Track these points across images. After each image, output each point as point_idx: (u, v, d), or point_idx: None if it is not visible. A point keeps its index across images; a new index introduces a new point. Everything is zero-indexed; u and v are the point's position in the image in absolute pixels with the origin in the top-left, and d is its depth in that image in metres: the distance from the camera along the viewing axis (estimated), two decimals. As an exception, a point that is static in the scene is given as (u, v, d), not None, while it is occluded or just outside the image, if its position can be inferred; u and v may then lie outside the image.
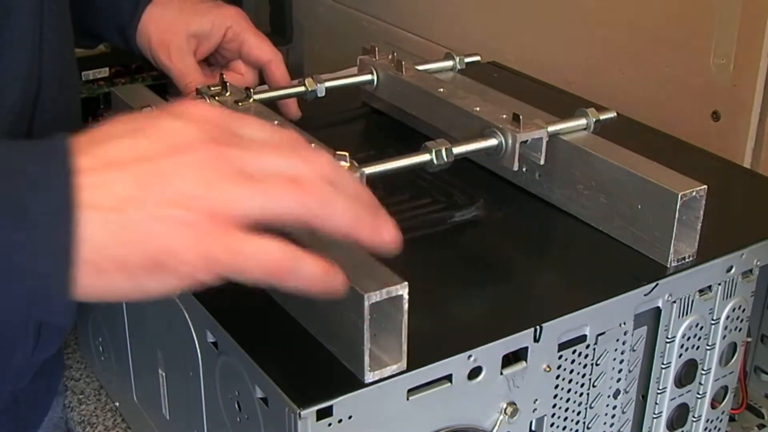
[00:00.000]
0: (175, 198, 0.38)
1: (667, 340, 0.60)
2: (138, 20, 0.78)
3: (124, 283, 0.39)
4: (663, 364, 0.61)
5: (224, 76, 0.71)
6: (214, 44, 0.80)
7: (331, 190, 0.41)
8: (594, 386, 0.58)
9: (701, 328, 0.62)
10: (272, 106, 0.67)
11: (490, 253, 0.63)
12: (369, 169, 0.56)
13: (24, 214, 0.37)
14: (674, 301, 0.59)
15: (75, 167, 0.38)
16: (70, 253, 0.37)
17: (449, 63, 0.78)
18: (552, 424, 0.57)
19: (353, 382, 0.48)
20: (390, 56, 0.77)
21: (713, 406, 0.66)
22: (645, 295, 0.57)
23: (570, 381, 0.56)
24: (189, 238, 0.38)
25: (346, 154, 0.55)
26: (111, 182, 0.38)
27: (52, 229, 0.37)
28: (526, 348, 0.53)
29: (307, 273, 0.41)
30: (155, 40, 0.78)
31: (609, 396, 0.59)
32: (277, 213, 0.40)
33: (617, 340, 0.57)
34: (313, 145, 0.57)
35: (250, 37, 0.80)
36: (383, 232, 0.44)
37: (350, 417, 0.47)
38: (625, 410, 0.61)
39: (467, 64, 0.78)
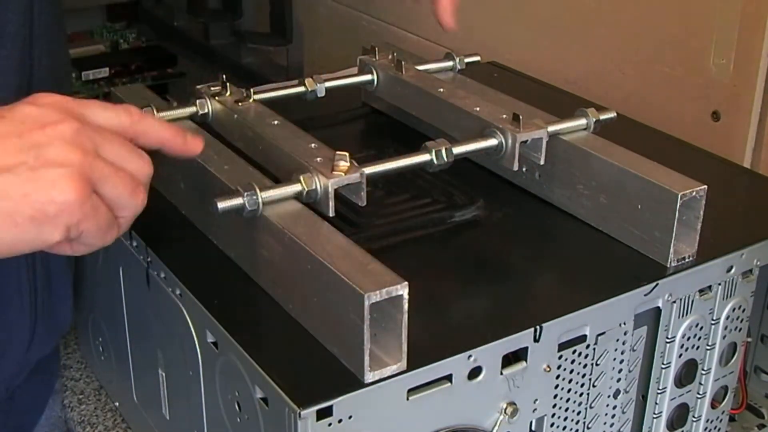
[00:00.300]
0: (54, 159, 0.45)
1: (667, 340, 0.60)
2: None
3: (11, 236, 0.45)
4: (663, 364, 0.61)
5: None
6: None
7: (147, 115, 0.52)
8: (594, 386, 0.58)
9: (701, 328, 0.62)
10: (272, 105, 0.67)
11: (490, 253, 0.63)
12: (369, 169, 0.56)
13: None
14: (674, 301, 0.59)
15: None
16: None
17: (449, 63, 0.78)
18: (552, 424, 0.57)
19: (353, 382, 0.48)
20: (390, 56, 0.77)
21: (713, 406, 0.66)
22: (645, 295, 0.57)
23: (570, 381, 0.56)
24: (71, 192, 0.45)
25: (346, 154, 0.55)
26: None
27: None
28: (526, 348, 0.53)
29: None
30: None
31: (609, 396, 0.59)
32: (114, 197, 0.48)
33: (617, 340, 0.57)
34: (314, 145, 0.58)
35: None
36: (189, 141, 0.54)
37: (350, 417, 0.47)
38: (625, 410, 0.61)
39: (467, 64, 0.78)
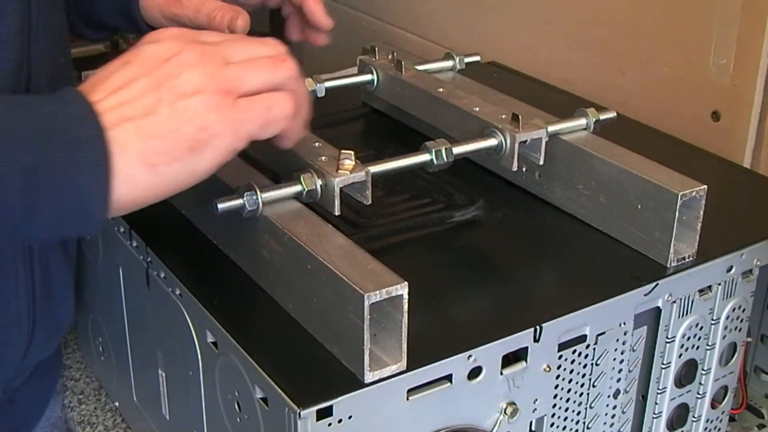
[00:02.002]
0: (188, 89, 0.46)
1: (667, 340, 0.60)
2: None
3: (176, 170, 0.46)
4: (663, 364, 0.61)
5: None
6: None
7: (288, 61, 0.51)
8: (594, 386, 0.58)
9: (701, 328, 0.62)
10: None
11: (490, 253, 0.63)
12: (373, 168, 0.56)
13: (65, 141, 0.44)
14: (674, 301, 0.59)
15: (91, 101, 0.46)
16: (107, 166, 0.44)
17: (449, 63, 0.78)
18: (552, 424, 0.57)
19: (353, 382, 0.48)
20: (390, 56, 0.77)
21: (713, 406, 0.66)
22: (645, 295, 0.57)
23: (570, 381, 0.56)
24: (213, 113, 0.46)
25: (351, 152, 0.55)
26: (127, 100, 0.46)
27: (89, 149, 0.44)
28: (526, 348, 0.53)
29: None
30: (163, 2, 0.75)
31: (609, 396, 0.59)
32: (261, 83, 0.49)
33: (617, 340, 0.57)
34: (317, 144, 0.57)
35: None
36: None
37: (350, 417, 0.47)
38: (625, 410, 0.61)
39: (467, 64, 0.78)
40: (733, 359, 0.65)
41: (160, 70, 0.47)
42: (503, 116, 0.63)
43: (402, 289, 0.47)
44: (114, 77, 0.48)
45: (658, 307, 0.59)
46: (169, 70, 0.47)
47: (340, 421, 0.47)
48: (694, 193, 0.57)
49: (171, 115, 0.46)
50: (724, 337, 0.63)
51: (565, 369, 0.56)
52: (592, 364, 0.57)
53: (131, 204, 0.47)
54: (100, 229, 0.47)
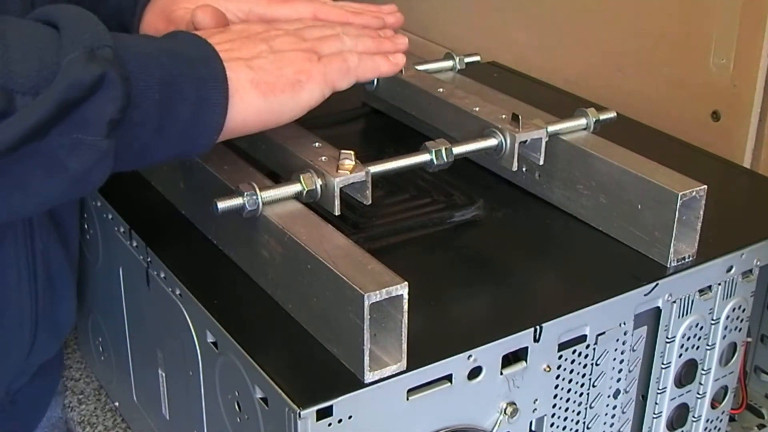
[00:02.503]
0: (283, 48, 0.56)
1: (667, 340, 0.60)
2: (140, 18, 0.78)
3: (282, 100, 0.54)
4: (663, 364, 0.61)
5: None
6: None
7: (355, 35, 0.61)
8: (594, 386, 0.58)
9: (701, 328, 0.62)
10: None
11: (490, 253, 0.63)
12: (373, 168, 0.56)
13: (189, 59, 0.51)
14: (674, 301, 0.59)
15: (212, 44, 0.53)
16: (226, 79, 0.52)
17: (449, 63, 0.78)
18: (552, 424, 0.57)
19: (353, 382, 0.48)
20: (390, 56, 0.77)
21: (713, 406, 0.66)
22: (645, 295, 0.57)
23: (570, 381, 0.56)
24: (307, 63, 0.56)
25: (351, 152, 0.55)
26: (232, 48, 0.54)
27: (210, 66, 0.52)
28: (526, 348, 0.53)
29: (370, 65, 0.59)
30: (161, 24, 0.77)
31: (609, 396, 0.59)
32: (334, 50, 0.58)
33: (617, 340, 0.57)
34: (318, 144, 0.58)
35: (278, 10, 0.79)
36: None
37: (350, 417, 0.47)
38: (625, 410, 0.61)
39: (467, 64, 0.78)
40: (733, 359, 0.65)
41: (257, 35, 0.57)
42: (503, 116, 0.63)
43: (402, 289, 0.47)
44: (214, 35, 0.55)
45: (658, 307, 0.59)
46: (265, 35, 0.57)
47: (340, 421, 0.47)
48: (694, 193, 0.57)
49: (275, 60, 0.55)
50: (724, 337, 0.63)
51: (565, 369, 0.56)
52: (592, 364, 0.57)
53: (242, 125, 0.53)
54: (212, 146, 0.53)
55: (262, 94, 0.53)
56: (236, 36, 0.57)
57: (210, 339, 0.55)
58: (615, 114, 0.65)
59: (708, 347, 0.63)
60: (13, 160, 0.45)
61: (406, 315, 0.47)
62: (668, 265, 0.59)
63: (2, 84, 0.44)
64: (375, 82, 0.76)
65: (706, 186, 0.57)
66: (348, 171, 0.54)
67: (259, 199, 0.53)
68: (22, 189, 0.46)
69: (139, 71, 0.48)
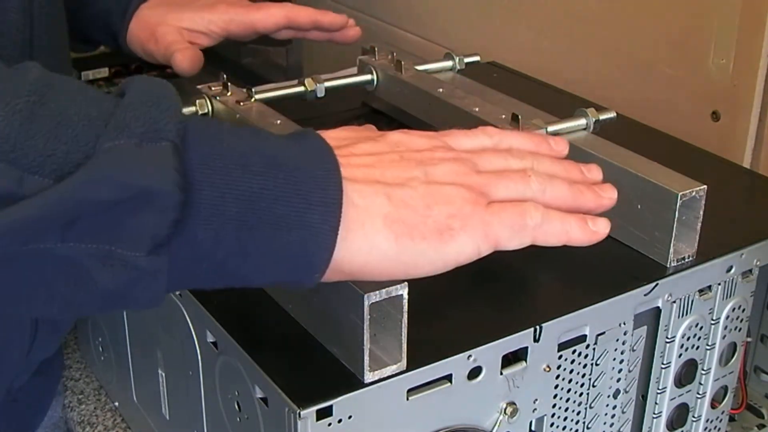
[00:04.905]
0: (444, 179, 0.44)
1: (667, 340, 0.60)
2: (128, 24, 0.79)
3: (420, 250, 0.43)
4: (663, 364, 0.61)
5: None
6: (216, 40, 0.81)
7: (506, 132, 0.50)
8: (594, 386, 0.58)
9: (701, 328, 0.62)
10: (272, 106, 0.67)
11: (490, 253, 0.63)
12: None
13: (292, 168, 0.41)
14: (674, 301, 0.59)
15: (339, 164, 0.42)
16: (339, 205, 0.41)
17: (449, 63, 0.78)
18: (552, 424, 0.57)
19: (353, 382, 0.48)
20: (390, 56, 0.77)
21: (713, 406, 0.66)
22: (645, 295, 0.57)
23: (570, 381, 0.56)
24: (468, 205, 0.44)
25: None
26: (376, 165, 0.44)
27: (321, 186, 0.41)
28: (526, 348, 0.53)
29: (557, 228, 0.47)
30: (144, 36, 0.79)
31: (609, 396, 0.59)
32: (513, 194, 0.46)
33: (617, 340, 0.57)
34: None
35: (255, 15, 0.81)
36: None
37: (350, 417, 0.47)
38: (625, 410, 0.61)
39: (467, 64, 0.79)
40: (733, 359, 0.65)
41: (414, 155, 0.45)
42: (503, 116, 0.63)
43: (402, 289, 0.47)
44: (359, 143, 0.46)
45: (658, 307, 0.59)
46: (424, 157, 0.45)
47: (340, 421, 0.47)
48: (693, 193, 0.57)
49: (427, 194, 0.43)
50: (724, 337, 0.63)
51: (565, 369, 0.56)
52: (592, 364, 0.57)
53: (360, 269, 0.43)
54: (318, 280, 0.42)
55: (395, 236, 0.42)
56: (387, 148, 0.46)
57: (210, 339, 0.55)
58: (615, 114, 0.65)
59: (708, 347, 0.63)
60: (23, 253, 0.35)
61: (405, 315, 0.47)
62: (668, 265, 0.59)
63: (12, 159, 0.35)
64: (375, 83, 0.77)
65: (705, 186, 0.57)
66: None
67: (259, 199, 0.53)
68: (47, 289, 0.37)
69: (210, 177, 0.38)
